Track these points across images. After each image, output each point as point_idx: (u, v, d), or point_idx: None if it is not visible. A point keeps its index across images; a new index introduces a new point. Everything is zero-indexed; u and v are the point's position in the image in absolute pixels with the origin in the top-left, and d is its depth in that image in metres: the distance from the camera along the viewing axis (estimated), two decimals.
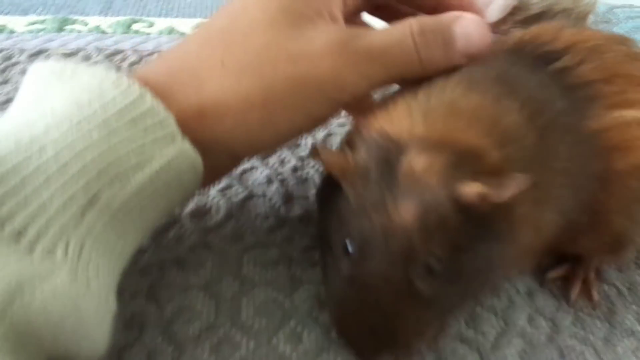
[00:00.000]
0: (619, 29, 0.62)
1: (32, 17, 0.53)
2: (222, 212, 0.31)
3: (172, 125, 0.21)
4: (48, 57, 0.46)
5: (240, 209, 0.32)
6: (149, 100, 0.21)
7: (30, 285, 0.17)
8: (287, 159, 0.36)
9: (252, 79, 0.23)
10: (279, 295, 0.27)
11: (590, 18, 0.41)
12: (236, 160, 0.27)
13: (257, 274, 0.28)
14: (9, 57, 0.46)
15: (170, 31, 0.52)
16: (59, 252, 0.18)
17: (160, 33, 0.52)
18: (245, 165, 0.35)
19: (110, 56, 0.47)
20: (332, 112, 0.26)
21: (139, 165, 0.20)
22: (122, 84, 0.21)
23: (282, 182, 0.34)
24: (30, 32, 0.51)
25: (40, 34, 0.50)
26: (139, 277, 0.27)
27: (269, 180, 0.34)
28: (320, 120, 0.26)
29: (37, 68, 0.22)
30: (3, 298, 0.16)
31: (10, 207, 0.18)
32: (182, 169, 0.22)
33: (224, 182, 0.33)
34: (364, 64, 0.24)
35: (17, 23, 0.52)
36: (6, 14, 0.54)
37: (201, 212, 0.31)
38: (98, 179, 0.19)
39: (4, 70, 0.45)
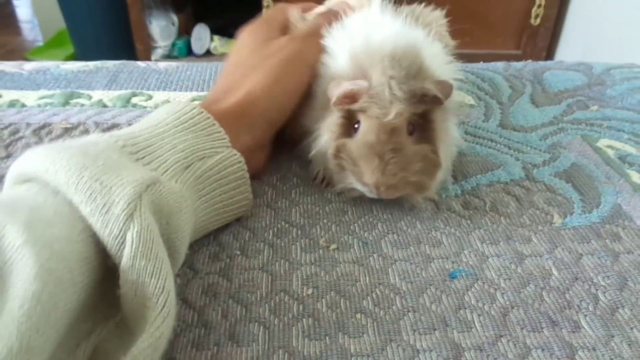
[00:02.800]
0: (612, 91, 0.62)
1: (43, 92, 0.57)
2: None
3: (226, 138, 0.38)
4: (50, 131, 0.50)
5: None
6: (216, 123, 0.38)
7: (159, 182, 0.31)
8: None
9: (262, 74, 0.42)
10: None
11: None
12: (273, 127, 0.44)
13: (301, 256, 0.38)
14: (15, 132, 0.50)
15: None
16: (174, 178, 0.34)
17: (157, 105, 0.55)
18: None
19: (107, 130, 0.51)
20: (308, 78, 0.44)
21: (208, 155, 0.36)
22: (203, 114, 0.38)
23: None
24: (39, 106, 0.55)
25: (47, 107, 0.55)
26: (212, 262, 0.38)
27: None
28: (303, 83, 0.44)
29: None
30: (146, 184, 0.30)
31: (150, 157, 0.33)
32: (230, 163, 0.38)
33: None
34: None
35: (29, 97, 0.57)
36: (21, 89, 0.58)
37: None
38: (192, 155, 0.35)
39: (8, 145, 0.49)
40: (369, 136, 0.38)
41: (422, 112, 0.39)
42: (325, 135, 0.41)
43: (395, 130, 0.38)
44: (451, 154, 0.44)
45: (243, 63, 0.45)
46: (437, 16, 0.49)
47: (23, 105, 0.55)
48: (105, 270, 0.29)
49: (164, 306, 0.27)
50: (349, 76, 0.39)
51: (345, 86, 0.38)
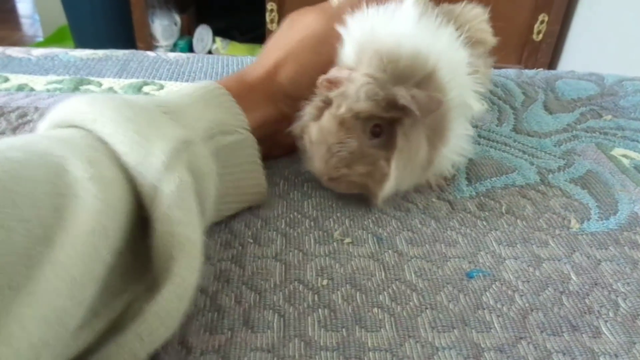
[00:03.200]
0: (625, 102, 0.62)
1: (52, 77, 0.56)
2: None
3: (246, 121, 0.39)
4: None
5: None
6: (238, 106, 0.39)
7: (194, 143, 0.31)
8: None
9: (280, 51, 0.43)
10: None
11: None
12: (296, 102, 0.41)
13: (315, 247, 0.38)
14: (23, 115, 0.49)
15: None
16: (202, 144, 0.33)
17: None
18: None
19: None
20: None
21: (230, 132, 0.37)
22: (228, 95, 0.39)
23: None
24: (48, 91, 0.54)
25: (57, 93, 0.54)
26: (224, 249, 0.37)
27: None
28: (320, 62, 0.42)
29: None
30: (185, 142, 0.30)
31: (182, 121, 0.33)
32: (247, 145, 0.38)
33: None
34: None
35: (38, 82, 0.55)
36: (30, 73, 0.57)
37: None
38: (216, 127, 0.36)
39: (16, 128, 0.47)
40: (326, 124, 0.38)
41: (391, 118, 0.37)
42: (304, 116, 0.41)
43: (348, 126, 0.37)
44: (416, 169, 0.40)
45: (274, 44, 0.46)
46: (477, 13, 0.48)
47: (32, 90, 0.54)
48: (135, 227, 0.29)
49: (191, 256, 0.27)
50: (350, 65, 0.39)
51: (333, 72, 0.39)
